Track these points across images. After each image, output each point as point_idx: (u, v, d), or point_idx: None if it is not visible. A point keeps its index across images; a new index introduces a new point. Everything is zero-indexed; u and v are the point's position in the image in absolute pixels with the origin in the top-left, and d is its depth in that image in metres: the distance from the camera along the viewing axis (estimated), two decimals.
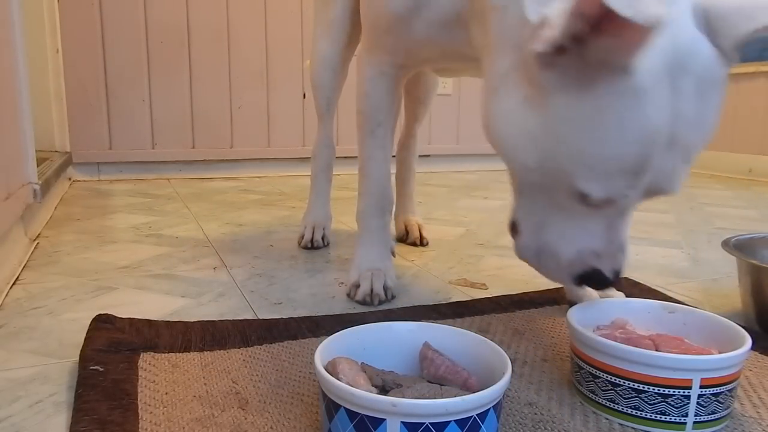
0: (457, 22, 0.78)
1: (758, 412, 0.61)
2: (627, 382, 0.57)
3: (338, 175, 1.51)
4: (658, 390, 0.56)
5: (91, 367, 0.65)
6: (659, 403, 0.56)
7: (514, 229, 0.69)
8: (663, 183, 0.57)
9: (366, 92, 0.95)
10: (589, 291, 0.90)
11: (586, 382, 0.61)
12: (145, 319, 0.82)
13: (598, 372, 0.60)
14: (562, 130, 0.55)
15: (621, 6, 0.43)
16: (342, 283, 1.04)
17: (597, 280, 0.64)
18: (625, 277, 1.08)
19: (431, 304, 0.93)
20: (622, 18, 0.43)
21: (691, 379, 0.55)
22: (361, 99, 0.96)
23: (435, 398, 0.50)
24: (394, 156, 1.25)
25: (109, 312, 0.82)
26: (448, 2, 0.77)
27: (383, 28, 0.87)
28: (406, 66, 0.94)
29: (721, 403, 0.57)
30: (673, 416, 0.56)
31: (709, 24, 0.54)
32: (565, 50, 0.51)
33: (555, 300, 0.94)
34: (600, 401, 0.60)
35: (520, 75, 0.58)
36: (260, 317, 0.87)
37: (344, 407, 0.48)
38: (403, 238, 1.35)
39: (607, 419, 0.59)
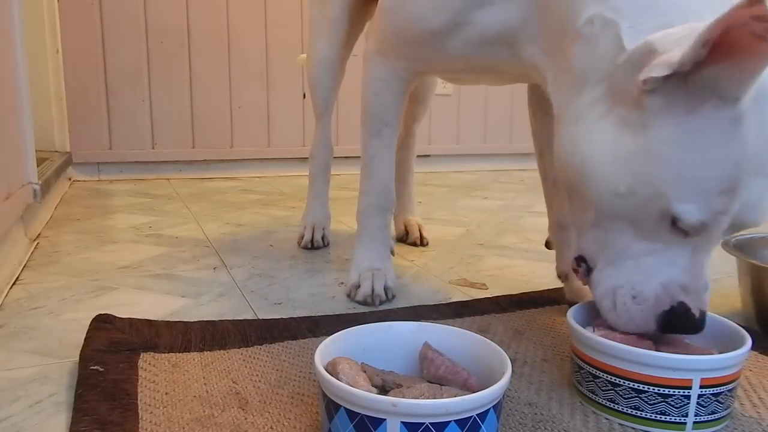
0: (501, 41, 0.76)
1: (758, 412, 0.61)
2: (627, 382, 0.57)
3: (338, 175, 1.51)
4: (658, 390, 0.56)
5: (91, 367, 0.65)
6: (659, 403, 0.56)
7: (580, 264, 0.65)
8: (750, 212, 0.56)
9: (376, 92, 0.93)
10: (590, 291, 0.90)
11: (586, 382, 0.61)
12: (145, 319, 0.81)
13: (598, 372, 0.60)
14: (663, 150, 0.54)
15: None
16: (342, 283, 1.04)
17: (684, 318, 0.59)
18: None
19: (431, 304, 0.93)
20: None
21: (691, 379, 0.55)
22: (370, 99, 0.94)
23: (435, 398, 0.50)
24: None
25: (109, 312, 0.82)
26: (496, 22, 0.75)
27: (409, 39, 0.84)
28: (423, 72, 0.93)
29: (721, 403, 0.57)
30: (673, 416, 0.56)
31: None
32: (673, 75, 0.52)
33: (555, 300, 0.94)
34: (600, 401, 0.60)
35: (612, 101, 0.59)
36: (260, 317, 0.87)
37: (344, 407, 0.48)
38: (403, 238, 1.35)
39: (607, 419, 0.59)
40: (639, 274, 0.60)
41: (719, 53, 0.49)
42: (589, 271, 0.65)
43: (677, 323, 0.59)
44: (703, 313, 0.60)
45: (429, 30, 0.80)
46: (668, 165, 0.54)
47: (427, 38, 0.81)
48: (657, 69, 0.53)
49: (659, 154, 0.55)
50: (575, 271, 0.66)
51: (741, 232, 0.98)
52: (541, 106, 0.94)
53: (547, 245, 0.99)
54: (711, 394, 0.56)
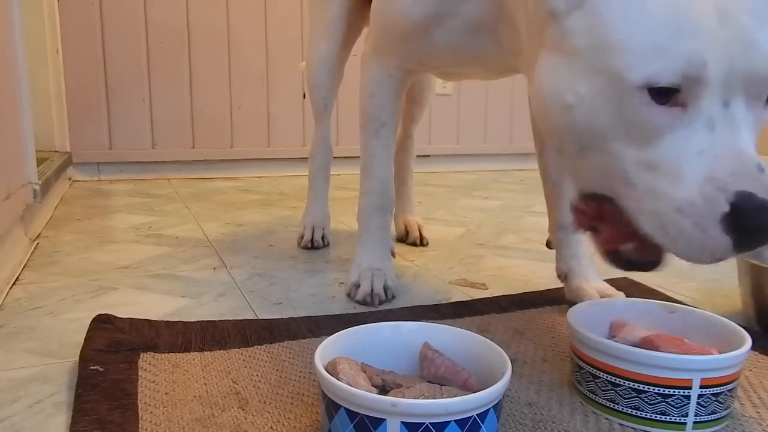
0: (483, 28, 0.77)
1: (758, 412, 0.61)
2: (627, 382, 0.57)
3: (337, 175, 1.51)
4: (658, 390, 0.56)
5: (91, 367, 0.65)
6: (659, 403, 0.56)
7: (590, 206, 0.57)
8: (750, 57, 0.47)
9: (372, 93, 0.94)
10: (590, 291, 0.90)
11: (586, 382, 0.61)
12: (145, 319, 0.82)
13: (598, 372, 0.60)
14: (587, 40, 0.51)
15: None
16: (342, 283, 1.04)
17: (758, 209, 0.46)
18: (625, 277, 1.08)
19: (431, 304, 0.93)
20: None
21: (691, 379, 0.55)
22: (366, 99, 0.95)
23: (435, 398, 0.50)
24: None
25: (109, 312, 0.82)
26: (476, 10, 0.76)
27: (398, 35, 0.86)
28: (415, 70, 0.93)
29: (721, 403, 0.57)
30: (673, 416, 0.56)
31: None
32: None
33: (555, 300, 0.95)
34: (600, 401, 0.60)
35: (543, 37, 0.58)
36: (260, 317, 0.87)
37: (344, 407, 0.48)
38: (403, 238, 1.35)
39: (607, 419, 0.59)
40: (670, 182, 0.49)
41: None
42: (598, 209, 0.56)
43: (752, 219, 0.46)
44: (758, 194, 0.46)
45: (413, 23, 0.82)
46: (598, 48, 0.51)
47: (414, 32, 0.83)
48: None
49: (584, 46, 0.52)
50: (579, 215, 0.58)
51: None
52: None
53: (548, 245, 0.99)
54: (711, 394, 0.56)
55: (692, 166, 0.48)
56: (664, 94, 0.48)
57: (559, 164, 0.90)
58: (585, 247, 0.95)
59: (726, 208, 0.47)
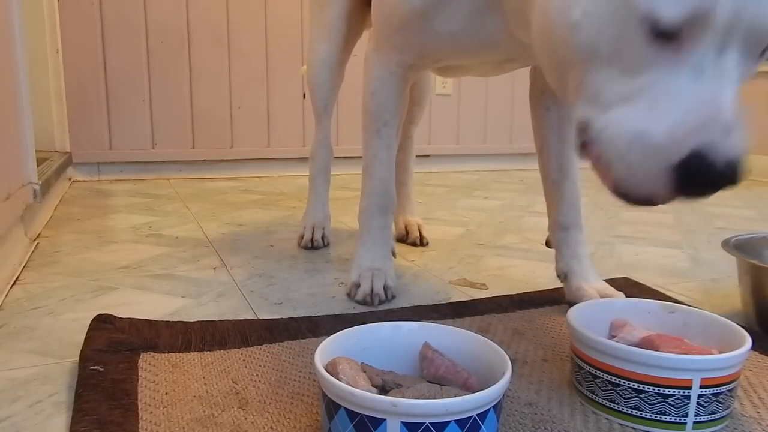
0: (488, 8, 0.75)
1: (758, 412, 0.61)
2: (627, 382, 0.57)
3: (338, 175, 1.51)
4: (658, 390, 0.56)
5: (91, 367, 0.65)
6: (659, 403, 0.56)
7: (584, 132, 0.55)
8: (757, 10, 0.47)
9: (373, 91, 0.94)
10: (589, 291, 0.90)
11: (586, 382, 0.61)
12: (145, 319, 0.82)
13: (598, 372, 0.60)
14: None
15: None
16: (342, 283, 1.04)
17: (705, 170, 0.47)
18: (625, 277, 1.08)
19: (431, 304, 0.93)
20: None
21: (691, 379, 0.55)
22: (367, 98, 0.95)
23: (435, 398, 0.50)
24: None
25: (109, 312, 0.82)
26: None
27: (397, 26, 0.85)
28: (416, 66, 0.92)
29: (721, 403, 0.57)
30: (673, 416, 0.56)
31: None
32: None
33: (555, 300, 0.95)
34: (600, 401, 0.60)
35: None
36: (260, 317, 0.87)
37: (344, 407, 0.48)
38: (403, 239, 1.35)
39: (607, 419, 0.59)
40: (642, 116, 0.49)
41: None
42: (587, 147, 0.56)
43: (700, 178, 0.47)
44: (732, 162, 0.47)
45: (413, 10, 0.81)
46: None
47: (414, 20, 0.82)
48: None
49: None
50: (579, 149, 0.57)
51: (741, 233, 0.98)
52: (541, 102, 0.94)
53: (548, 244, 0.99)
54: (711, 394, 0.56)
55: (668, 106, 0.48)
56: (663, 30, 0.48)
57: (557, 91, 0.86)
58: (585, 247, 0.95)
59: (682, 156, 0.47)
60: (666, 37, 0.48)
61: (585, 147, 0.56)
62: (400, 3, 0.83)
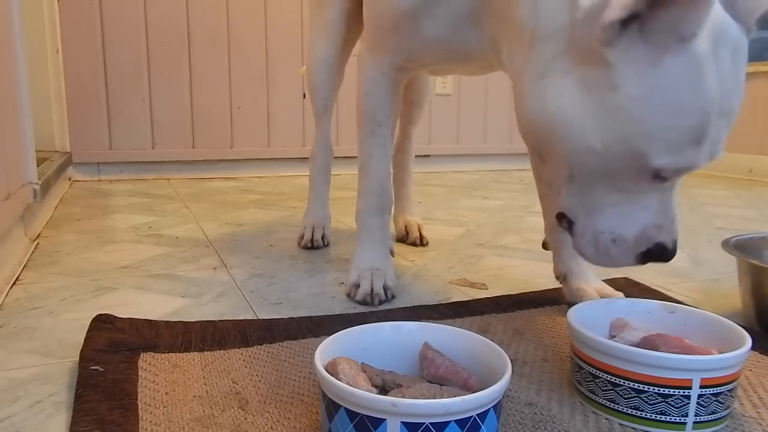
0: (469, 20, 0.78)
1: (758, 412, 0.61)
2: (627, 382, 0.57)
3: (338, 175, 1.51)
4: (658, 390, 0.56)
5: (91, 367, 0.65)
6: (659, 403, 0.56)
7: (563, 219, 0.69)
8: (714, 150, 0.59)
9: (367, 92, 0.95)
10: (589, 291, 0.90)
11: (586, 382, 0.61)
12: (145, 319, 0.82)
13: (598, 372, 0.60)
14: (633, 107, 0.56)
15: None
16: (342, 283, 1.04)
17: (662, 254, 0.64)
18: (625, 278, 1.08)
19: (431, 304, 0.93)
20: None
21: (691, 379, 0.55)
22: (361, 99, 0.95)
23: (435, 398, 0.50)
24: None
25: (109, 312, 0.82)
26: (461, 0, 0.77)
27: (387, 27, 0.87)
28: (406, 68, 0.93)
29: (721, 403, 0.57)
30: (673, 416, 0.56)
31: (729, 1, 0.58)
32: (628, 25, 0.55)
33: (555, 300, 0.94)
34: (600, 401, 0.60)
35: (574, 59, 0.60)
36: (260, 317, 0.87)
37: (344, 407, 0.48)
38: (403, 239, 1.35)
39: (607, 419, 0.59)
40: (617, 221, 0.65)
41: None
42: (570, 225, 0.69)
43: (655, 258, 0.65)
44: (675, 243, 0.65)
45: (401, 11, 0.83)
46: (641, 121, 0.56)
47: (402, 21, 0.84)
48: (614, 11, 0.55)
49: (631, 112, 0.57)
50: (561, 226, 0.70)
51: (741, 233, 0.98)
52: None
53: (544, 246, 0.99)
54: (711, 394, 0.56)
55: (638, 216, 0.64)
56: (661, 176, 0.61)
57: (544, 179, 0.93)
58: None
59: (644, 249, 0.65)
60: (660, 178, 0.61)
61: (561, 225, 0.70)
62: (389, 5, 0.84)
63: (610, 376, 0.58)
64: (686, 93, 0.55)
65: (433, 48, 0.85)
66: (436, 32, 0.82)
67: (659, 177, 0.60)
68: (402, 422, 0.46)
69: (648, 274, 1.15)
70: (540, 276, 1.12)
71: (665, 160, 0.58)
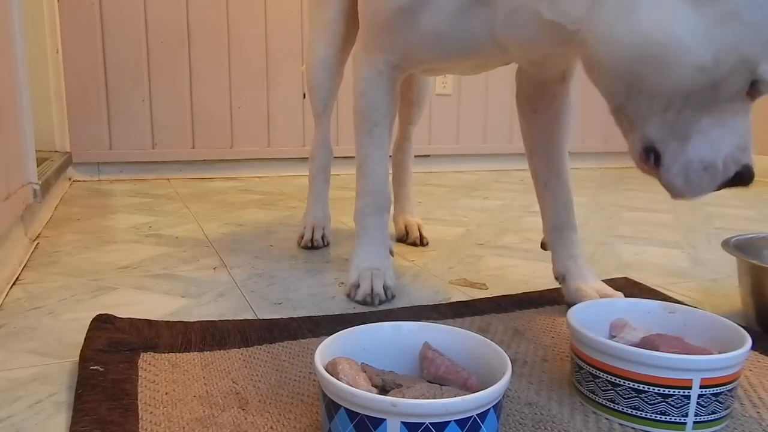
0: (477, 3, 0.76)
1: (758, 412, 0.61)
2: (627, 382, 0.57)
3: (337, 175, 1.51)
4: (658, 390, 0.56)
5: (91, 367, 0.65)
6: (659, 403, 0.56)
7: (649, 156, 0.68)
8: None
9: (362, 91, 0.94)
10: (589, 291, 0.90)
11: (586, 382, 0.61)
12: (145, 319, 0.82)
13: (598, 372, 0.60)
14: (750, 12, 0.57)
15: None
16: (342, 283, 1.04)
17: (748, 175, 0.65)
18: (625, 277, 1.08)
19: (431, 304, 0.93)
20: None
21: (691, 379, 0.55)
22: (357, 98, 0.95)
23: (435, 398, 0.50)
24: (390, 156, 1.25)
25: (109, 312, 0.82)
26: None
27: (382, 25, 0.86)
28: (402, 66, 0.92)
29: (721, 403, 0.57)
30: (673, 416, 0.56)
31: None
32: None
33: (555, 300, 0.95)
34: (600, 401, 0.60)
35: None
36: (260, 317, 0.87)
37: (344, 407, 0.48)
38: (403, 239, 1.35)
39: (607, 419, 0.59)
40: (707, 148, 0.64)
41: None
42: (657, 159, 0.67)
43: (739, 181, 0.65)
44: (751, 167, 0.66)
45: (397, 7, 0.82)
46: (756, 27, 0.57)
47: (399, 19, 0.82)
48: None
49: (746, 18, 0.57)
50: (643, 163, 0.69)
51: (741, 233, 0.98)
52: (529, 104, 0.95)
53: (543, 246, 0.99)
54: (711, 394, 0.56)
55: (726, 140, 0.64)
56: (752, 86, 0.61)
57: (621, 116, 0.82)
58: (580, 247, 0.95)
59: (732, 174, 0.65)
60: (751, 94, 0.62)
61: (648, 160, 0.68)
62: (384, 2, 0.83)
63: (610, 376, 0.58)
64: None
65: (432, 44, 0.83)
66: (435, 26, 0.80)
67: (755, 93, 0.60)
68: (402, 422, 0.46)
69: (648, 274, 1.15)
70: (540, 276, 1.12)
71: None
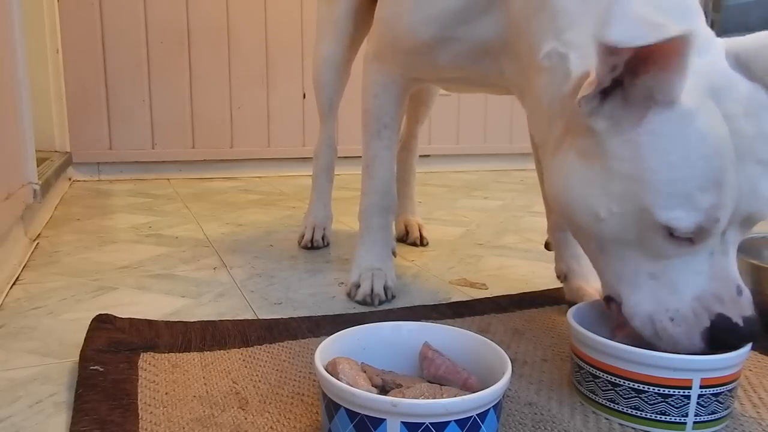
0: (486, 54, 0.79)
1: (758, 412, 0.61)
2: (627, 382, 0.57)
3: (339, 175, 1.51)
4: (658, 390, 0.56)
5: (91, 367, 0.65)
6: (659, 403, 0.56)
7: (610, 304, 0.63)
8: (752, 201, 0.55)
9: (375, 94, 0.95)
10: (590, 291, 0.90)
11: (586, 382, 0.61)
12: (145, 319, 0.82)
13: (598, 372, 0.60)
14: (625, 168, 0.55)
15: (642, 36, 0.47)
16: (342, 283, 1.04)
17: (730, 332, 0.55)
18: None
19: (431, 304, 0.93)
20: (654, 45, 0.47)
21: (691, 379, 0.55)
22: (368, 100, 0.95)
23: (435, 398, 0.50)
24: None
25: (109, 312, 0.82)
26: (479, 36, 0.78)
27: (404, 50, 0.87)
28: (418, 79, 0.95)
29: (721, 403, 0.57)
30: (673, 416, 0.56)
31: (742, 65, 0.57)
32: (608, 95, 0.55)
33: (555, 300, 0.94)
34: (600, 401, 0.60)
35: (571, 134, 0.61)
36: (260, 317, 0.87)
37: (344, 407, 0.48)
38: (403, 238, 1.35)
39: (607, 419, 0.59)
40: (667, 293, 0.57)
41: (645, 63, 0.51)
42: (618, 308, 0.62)
43: (724, 338, 0.55)
44: (748, 320, 0.55)
45: (421, 42, 0.83)
46: (636, 179, 0.55)
47: (420, 49, 0.84)
48: (585, 88, 0.55)
49: (623, 172, 0.55)
50: (610, 308, 0.64)
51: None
52: None
53: (547, 246, 0.99)
54: (711, 394, 0.56)
55: (689, 284, 0.57)
56: (678, 236, 0.55)
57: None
58: None
59: (707, 324, 0.56)
60: (681, 237, 0.55)
61: (613, 309, 0.63)
62: (408, 33, 0.84)
63: (610, 376, 0.58)
64: (672, 144, 0.53)
65: (449, 72, 0.86)
66: (453, 61, 0.83)
67: (682, 237, 0.55)
68: (402, 422, 0.46)
69: None
70: (540, 276, 1.12)
71: (675, 215, 0.53)
